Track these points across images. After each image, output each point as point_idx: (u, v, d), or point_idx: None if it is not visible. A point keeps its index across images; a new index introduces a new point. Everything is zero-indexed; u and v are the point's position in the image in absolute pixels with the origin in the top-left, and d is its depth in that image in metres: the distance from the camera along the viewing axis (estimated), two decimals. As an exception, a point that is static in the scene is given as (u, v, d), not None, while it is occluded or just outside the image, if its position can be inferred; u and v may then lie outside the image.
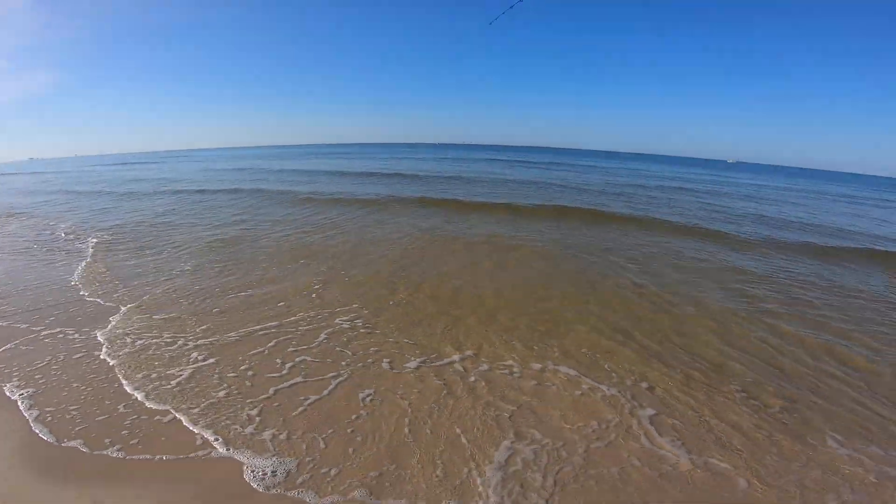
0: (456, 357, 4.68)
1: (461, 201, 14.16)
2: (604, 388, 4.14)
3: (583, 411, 3.80)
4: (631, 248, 9.16)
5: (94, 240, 9.61)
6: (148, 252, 8.64)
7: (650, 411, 3.80)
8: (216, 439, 3.35)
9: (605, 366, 4.51)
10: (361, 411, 3.79)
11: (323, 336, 5.15)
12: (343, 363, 4.58)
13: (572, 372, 4.40)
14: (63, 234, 10.31)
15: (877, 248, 10.19)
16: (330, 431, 3.50)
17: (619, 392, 4.06)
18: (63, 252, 8.69)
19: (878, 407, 4.02)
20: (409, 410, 3.80)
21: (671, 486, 3.02)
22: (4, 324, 5.26)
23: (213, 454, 3.22)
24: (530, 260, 8.17)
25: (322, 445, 3.34)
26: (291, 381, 4.23)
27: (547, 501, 2.86)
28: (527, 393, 4.06)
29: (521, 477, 3.06)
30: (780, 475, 3.15)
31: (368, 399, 3.97)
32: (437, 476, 3.04)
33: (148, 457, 3.20)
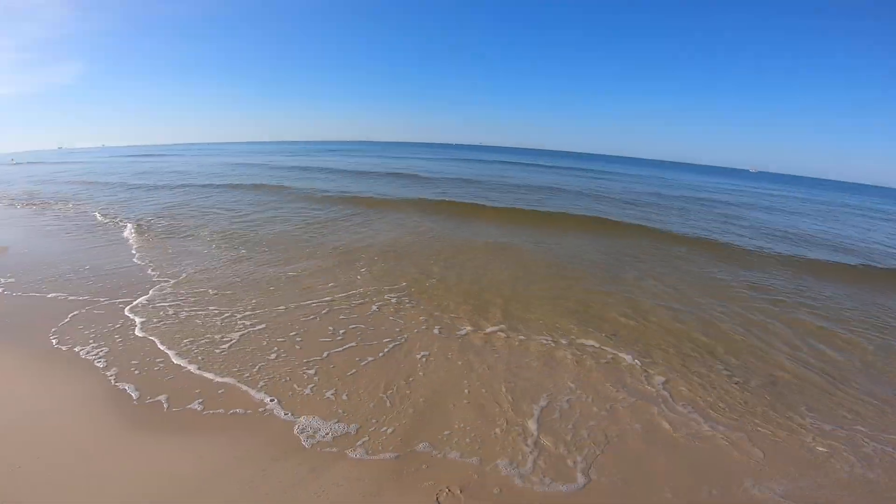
0: (495, 328, 5.20)
1: (477, 204, 14.25)
2: (624, 356, 4.73)
3: (607, 376, 4.34)
4: (642, 252, 9.29)
5: (132, 225, 10.19)
6: (193, 236, 9.29)
7: (660, 379, 4.33)
8: (272, 400, 3.67)
9: (620, 342, 5.03)
10: (419, 372, 4.20)
11: (374, 308, 5.63)
12: (397, 330, 5.06)
13: (595, 344, 4.95)
14: (114, 221, 10.89)
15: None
16: (389, 392, 3.85)
17: (633, 362, 4.59)
18: (114, 236, 9.30)
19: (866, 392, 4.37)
20: (463, 371, 4.24)
21: (675, 442, 3.41)
22: (85, 297, 5.66)
23: (272, 412, 3.53)
24: (546, 258, 8.41)
25: (387, 404, 3.69)
26: (347, 345, 4.64)
27: (581, 455, 3.21)
28: (559, 359, 4.59)
29: (557, 431, 3.45)
30: (766, 443, 3.48)
31: (423, 359, 4.41)
32: (495, 434, 3.37)
33: (221, 411, 3.52)
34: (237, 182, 18.74)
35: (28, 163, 35.43)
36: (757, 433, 3.60)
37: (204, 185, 17.89)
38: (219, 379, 3.96)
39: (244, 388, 3.84)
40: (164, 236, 9.20)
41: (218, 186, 17.61)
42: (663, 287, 7.02)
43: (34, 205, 13.41)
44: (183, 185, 18.02)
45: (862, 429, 3.76)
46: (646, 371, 4.43)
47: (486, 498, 2.77)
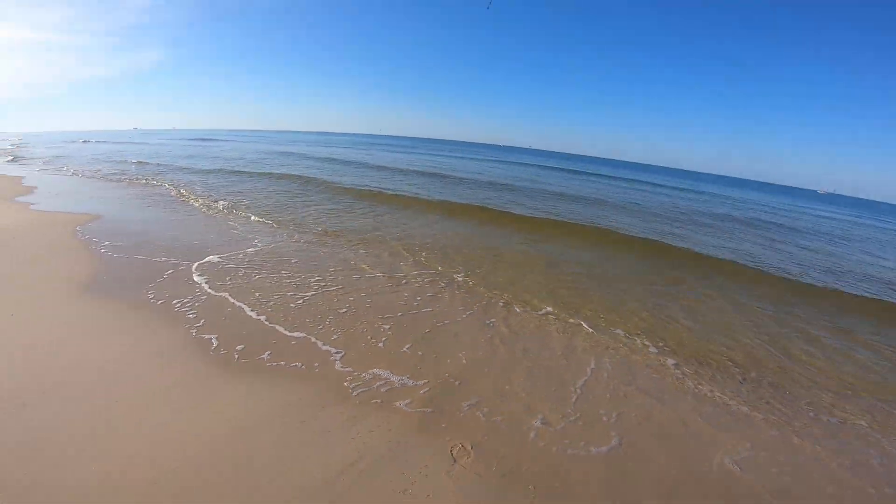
0: (544, 311, 5.89)
1: (508, 212, 13.62)
2: (649, 345, 5.23)
3: (639, 358, 4.87)
4: (681, 272, 8.86)
5: (206, 202, 11.42)
6: (264, 216, 10.34)
7: (672, 360, 4.90)
8: (338, 352, 4.22)
9: (643, 337, 5.45)
10: (488, 331, 4.99)
11: (442, 284, 6.46)
12: (470, 301, 5.88)
13: (627, 334, 5.46)
14: (190, 198, 12.12)
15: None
16: (443, 353, 4.44)
17: (659, 352, 5.08)
18: (192, 210, 10.51)
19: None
20: (523, 342, 4.90)
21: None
22: (176, 260, 6.55)
23: (333, 364, 4.01)
24: (581, 268, 8.30)
25: (463, 361, 4.31)
26: (424, 309, 5.46)
27: (615, 413, 3.70)
28: (601, 340, 5.21)
29: (598, 392, 4.04)
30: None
31: (491, 324, 5.28)
32: (548, 389, 3.93)
33: (283, 363, 3.97)
34: (295, 172, 19.71)
35: (96, 142, 38.75)
36: (758, 420, 3.89)
37: (263, 173, 18.93)
38: (290, 333, 4.55)
39: (313, 339, 4.47)
40: (237, 212, 10.36)
41: (278, 176, 18.57)
42: (692, 294, 7.22)
43: (115, 180, 15.05)
44: (245, 171, 19.36)
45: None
46: (664, 357, 4.91)
47: (493, 455, 3.09)
